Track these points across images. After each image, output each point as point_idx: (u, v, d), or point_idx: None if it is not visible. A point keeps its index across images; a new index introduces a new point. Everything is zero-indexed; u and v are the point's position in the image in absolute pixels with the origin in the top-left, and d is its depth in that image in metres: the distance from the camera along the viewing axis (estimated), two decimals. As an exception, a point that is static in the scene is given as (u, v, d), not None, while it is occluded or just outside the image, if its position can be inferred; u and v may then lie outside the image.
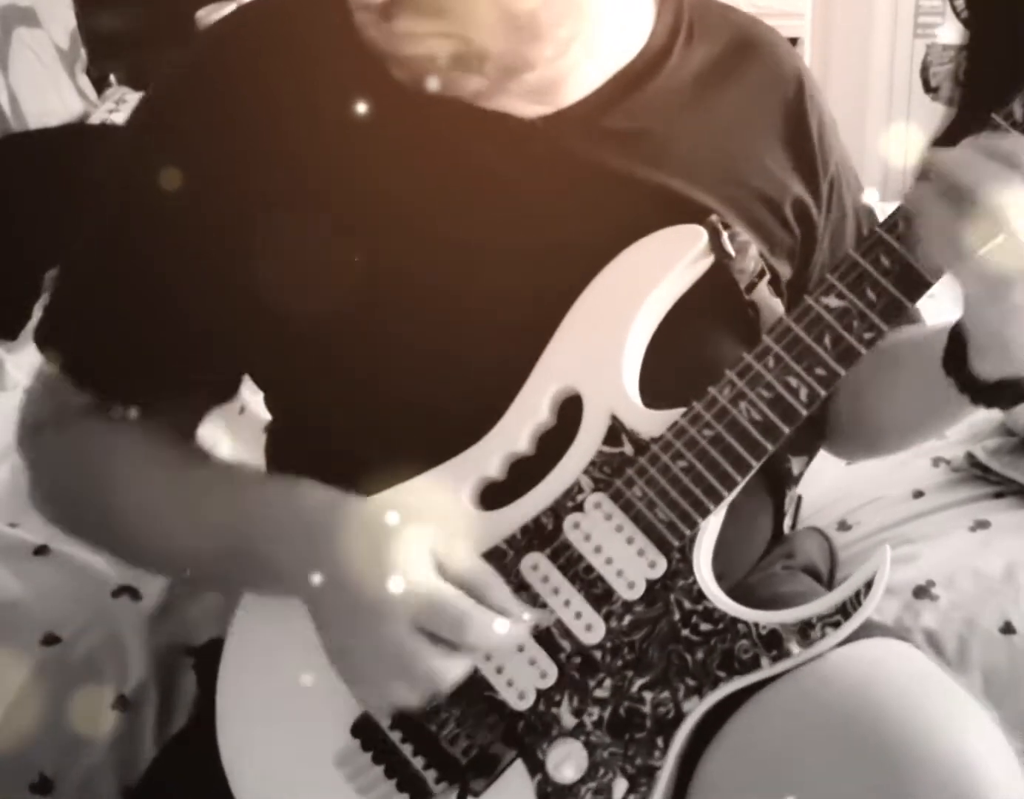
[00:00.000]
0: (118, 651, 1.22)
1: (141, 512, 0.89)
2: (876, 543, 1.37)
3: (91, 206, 0.93)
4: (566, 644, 0.83)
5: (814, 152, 0.97)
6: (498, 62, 0.83)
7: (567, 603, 0.83)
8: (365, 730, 0.85)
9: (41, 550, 1.31)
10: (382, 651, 0.79)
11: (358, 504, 0.82)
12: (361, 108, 0.85)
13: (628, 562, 0.82)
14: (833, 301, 0.80)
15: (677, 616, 0.82)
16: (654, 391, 0.85)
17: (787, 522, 1.06)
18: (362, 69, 0.85)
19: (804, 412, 0.81)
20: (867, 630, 0.83)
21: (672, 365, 0.85)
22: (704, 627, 0.82)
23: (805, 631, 0.80)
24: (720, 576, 0.84)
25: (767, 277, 0.90)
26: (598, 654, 0.83)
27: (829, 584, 1.10)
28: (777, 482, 0.99)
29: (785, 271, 0.95)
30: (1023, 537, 1.35)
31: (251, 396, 1.63)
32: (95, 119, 2.35)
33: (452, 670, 0.79)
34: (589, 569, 0.83)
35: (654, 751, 0.82)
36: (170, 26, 2.41)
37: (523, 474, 0.85)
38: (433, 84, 0.83)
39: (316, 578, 0.79)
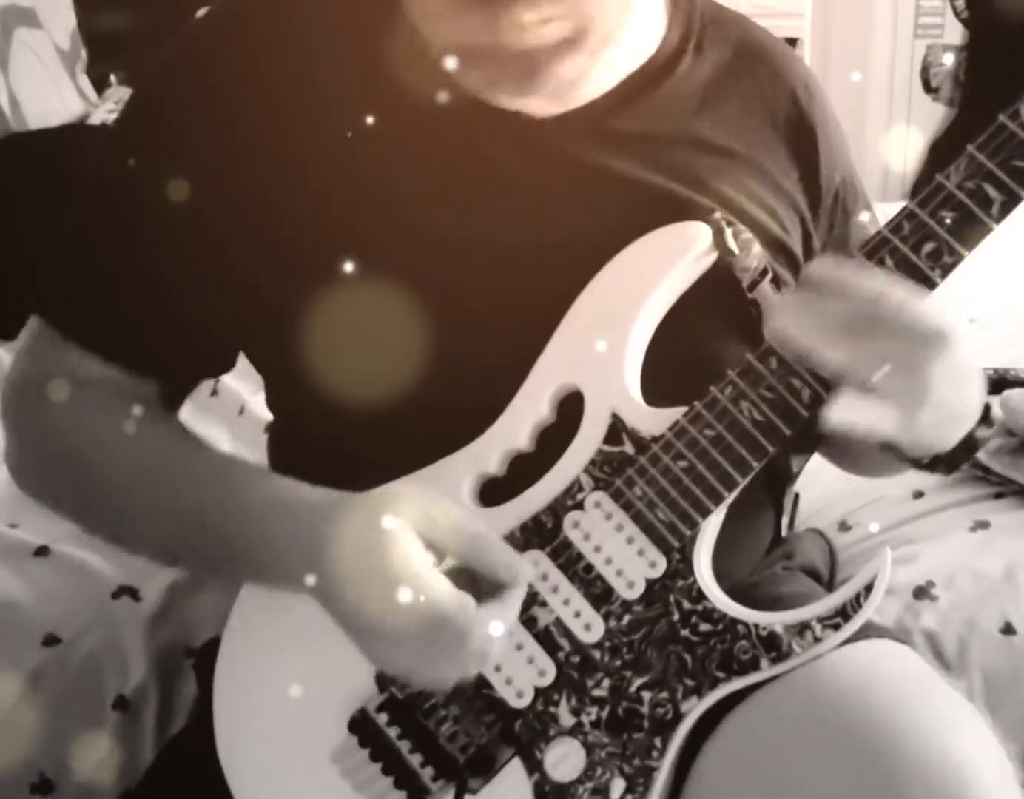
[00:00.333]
0: (118, 652, 1.22)
1: (131, 492, 0.88)
2: (876, 544, 1.37)
3: (84, 194, 0.93)
4: (565, 643, 0.83)
5: (818, 163, 0.97)
6: (599, 36, 0.83)
7: (566, 602, 0.83)
8: (362, 726, 0.85)
9: (41, 551, 1.31)
10: (407, 645, 0.77)
11: (348, 508, 0.79)
12: (363, 106, 0.85)
13: (628, 561, 0.82)
14: None
15: (676, 616, 0.82)
16: (655, 389, 0.85)
17: (785, 520, 1.06)
18: (362, 69, 0.86)
19: (806, 414, 0.80)
20: (864, 631, 0.83)
21: (673, 363, 0.85)
22: (703, 627, 0.82)
23: (804, 633, 0.80)
24: (720, 576, 0.84)
25: (769, 276, 0.90)
26: (597, 653, 0.83)
27: (829, 585, 1.10)
28: (776, 481, 0.99)
29: (785, 275, 0.94)
30: (1023, 538, 1.35)
31: (251, 396, 1.64)
32: (95, 119, 2.35)
33: (488, 647, 0.78)
34: (589, 568, 0.83)
35: (652, 751, 0.82)
36: (170, 26, 2.40)
37: (523, 471, 0.85)
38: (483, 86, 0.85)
39: (311, 580, 0.78)
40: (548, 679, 0.83)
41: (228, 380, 1.61)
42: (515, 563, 0.79)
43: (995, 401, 0.93)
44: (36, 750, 1.16)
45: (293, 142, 0.85)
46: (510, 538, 0.84)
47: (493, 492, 0.85)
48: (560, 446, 0.85)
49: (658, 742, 0.81)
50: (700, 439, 0.82)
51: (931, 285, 0.79)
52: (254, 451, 1.47)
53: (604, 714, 0.82)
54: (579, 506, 0.84)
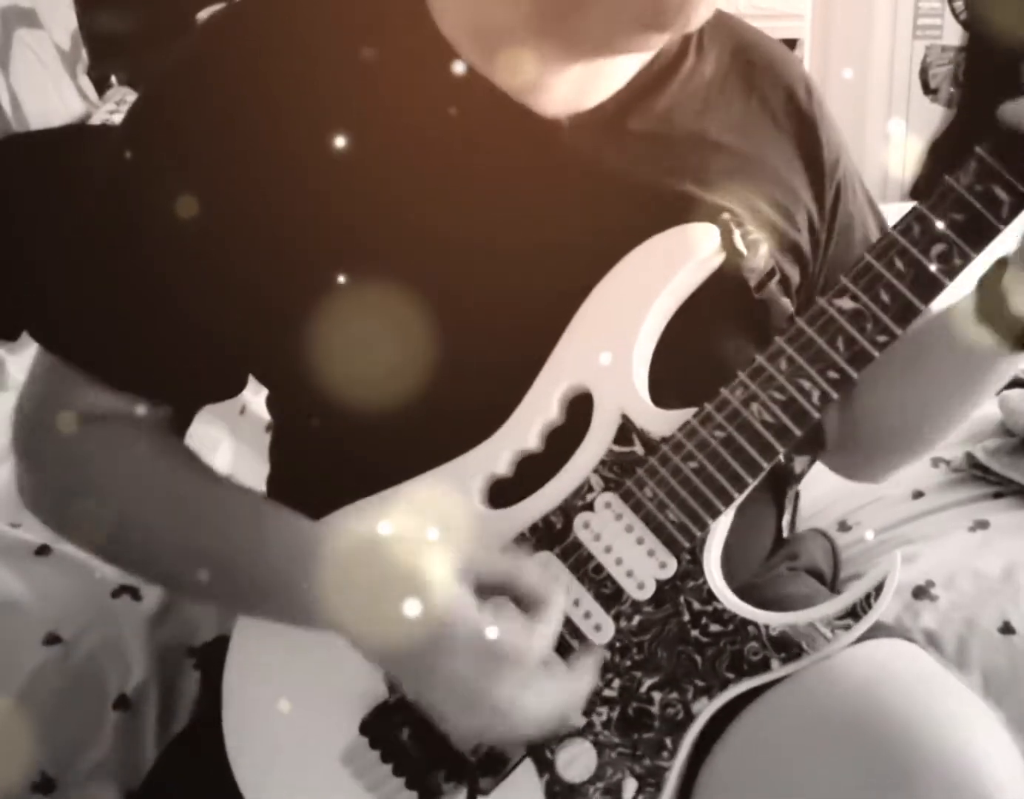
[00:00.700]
0: (119, 651, 1.21)
1: (147, 525, 0.88)
2: (876, 543, 1.37)
3: (87, 203, 0.92)
4: (575, 644, 0.83)
5: (821, 158, 0.98)
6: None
7: (576, 603, 0.83)
8: (373, 728, 0.85)
9: (42, 550, 1.31)
10: (455, 691, 0.77)
11: (375, 542, 0.79)
12: (367, 107, 0.86)
13: (638, 562, 0.82)
14: (846, 303, 0.80)
15: (687, 617, 0.82)
16: (663, 390, 0.85)
17: (786, 520, 1.06)
18: (366, 69, 0.86)
19: (816, 414, 0.81)
20: (874, 631, 0.83)
21: (681, 364, 0.85)
22: (714, 628, 0.82)
23: (815, 633, 0.80)
24: (724, 577, 0.84)
25: (777, 277, 0.90)
26: (607, 654, 0.83)
27: (832, 586, 1.11)
28: (779, 481, 0.99)
29: (794, 274, 0.95)
30: (1022, 537, 1.35)
31: (252, 396, 1.63)
32: (96, 120, 2.35)
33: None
34: (599, 569, 0.83)
35: (663, 752, 0.82)
36: (171, 27, 2.40)
37: (532, 472, 0.85)
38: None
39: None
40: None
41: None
42: (552, 582, 0.81)
43: (993, 401, 0.93)
44: (37, 749, 1.16)
45: (295, 146, 0.85)
46: (520, 539, 0.84)
47: (502, 493, 0.85)
48: (569, 447, 0.85)
49: (669, 742, 0.82)
50: (710, 440, 0.82)
51: (940, 287, 0.80)
52: (254, 451, 1.47)
53: (615, 714, 0.82)
54: (589, 507, 0.84)
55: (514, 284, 0.86)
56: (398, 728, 0.85)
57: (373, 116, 0.86)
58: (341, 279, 0.85)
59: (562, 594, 0.81)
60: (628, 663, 0.83)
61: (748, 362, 0.82)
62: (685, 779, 0.85)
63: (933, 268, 0.79)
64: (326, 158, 0.84)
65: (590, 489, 0.84)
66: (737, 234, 0.86)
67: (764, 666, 0.81)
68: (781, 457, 0.82)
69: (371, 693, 0.85)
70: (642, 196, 0.89)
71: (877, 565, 0.82)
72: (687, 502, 0.82)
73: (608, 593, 0.83)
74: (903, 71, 3.33)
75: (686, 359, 0.87)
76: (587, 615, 0.83)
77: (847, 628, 0.80)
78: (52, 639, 1.19)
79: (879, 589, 0.80)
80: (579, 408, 0.85)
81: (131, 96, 2.47)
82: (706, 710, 0.82)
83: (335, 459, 0.89)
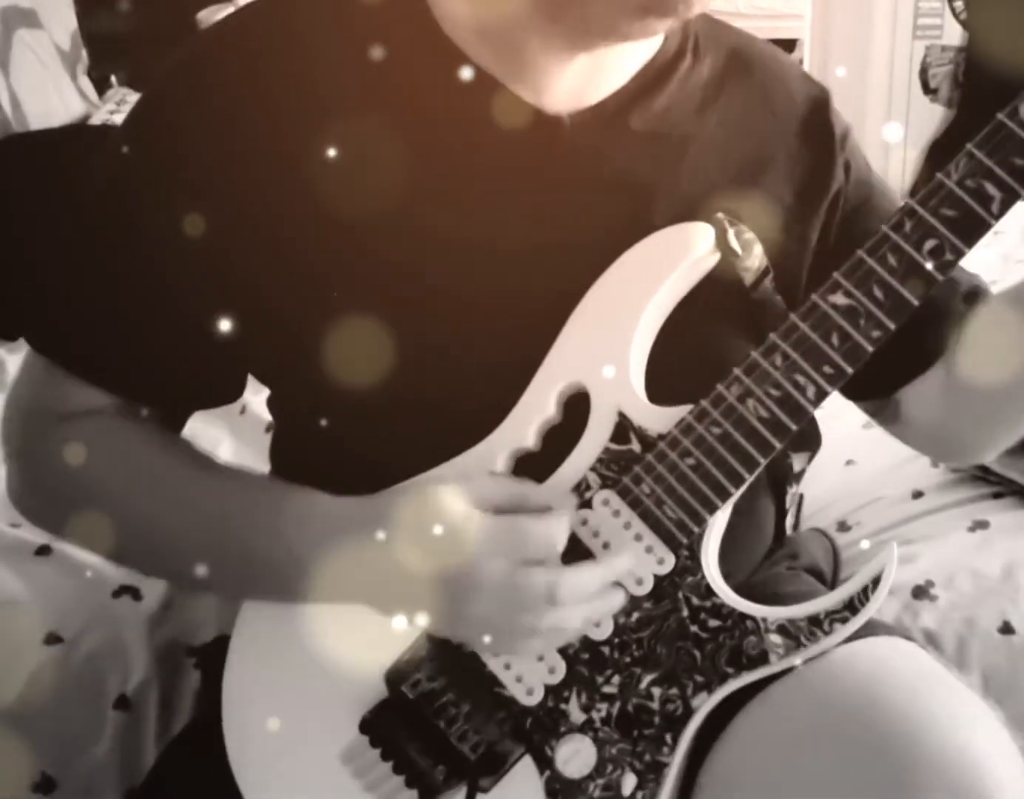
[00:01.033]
0: (119, 651, 1.22)
1: (153, 516, 0.88)
2: (876, 543, 1.37)
3: (87, 204, 0.92)
4: (575, 640, 0.83)
5: (827, 151, 0.97)
6: None
7: (575, 599, 0.83)
8: (373, 726, 0.85)
9: (42, 550, 1.31)
10: (495, 623, 0.80)
11: (385, 497, 0.83)
12: (371, 107, 0.86)
13: (636, 559, 0.83)
14: (840, 299, 0.80)
15: (685, 612, 0.82)
16: (660, 388, 0.85)
17: (789, 520, 1.06)
18: (368, 69, 0.86)
19: (811, 410, 0.81)
20: (873, 629, 0.84)
21: (678, 362, 0.85)
22: (712, 623, 0.82)
23: (812, 626, 0.81)
24: (725, 575, 0.84)
25: (771, 275, 0.90)
26: (606, 650, 0.83)
27: (832, 585, 1.11)
28: (779, 480, 0.99)
29: (793, 271, 0.95)
30: (1022, 537, 1.35)
31: (252, 396, 1.63)
32: (96, 120, 2.35)
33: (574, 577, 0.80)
34: (597, 566, 0.83)
35: (662, 747, 0.82)
36: (170, 27, 2.41)
37: (530, 471, 0.85)
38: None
39: (381, 535, 0.80)
40: (558, 676, 0.83)
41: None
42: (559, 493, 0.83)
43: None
44: (37, 749, 1.16)
45: (296, 146, 0.85)
46: None
47: None
48: (567, 446, 0.85)
49: (668, 738, 0.82)
50: (707, 436, 0.82)
51: (932, 282, 0.80)
52: (254, 451, 1.47)
53: (614, 710, 0.83)
54: (587, 504, 0.84)
55: (514, 283, 0.86)
56: (398, 727, 0.85)
57: (375, 115, 0.86)
58: (342, 279, 0.85)
59: (570, 502, 0.83)
60: (627, 659, 0.83)
61: (744, 359, 0.82)
62: (686, 776, 0.85)
63: (925, 264, 0.79)
64: (326, 159, 0.84)
65: (588, 487, 0.84)
66: (731, 233, 0.87)
67: (763, 660, 0.81)
68: (777, 452, 0.82)
69: (371, 692, 0.86)
70: (641, 194, 0.89)
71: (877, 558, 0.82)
72: (684, 498, 0.82)
73: None
74: (903, 71, 3.33)
75: (683, 357, 0.87)
76: None
77: (844, 621, 0.80)
78: (52, 639, 1.20)
79: (876, 582, 0.80)
80: (577, 407, 0.85)
81: (131, 96, 2.47)
82: (705, 705, 0.82)
83: (335, 459, 0.89)
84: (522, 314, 0.85)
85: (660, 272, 0.85)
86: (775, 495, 1.00)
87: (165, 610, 1.27)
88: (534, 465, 0.85)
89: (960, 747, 0.76)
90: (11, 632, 1.20)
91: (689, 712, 0.82)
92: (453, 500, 0.79)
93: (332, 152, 0.84)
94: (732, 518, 0.85)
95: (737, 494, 0.82)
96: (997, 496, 1.46)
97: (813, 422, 0.97)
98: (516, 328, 0.85)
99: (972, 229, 0.79)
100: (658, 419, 0.84)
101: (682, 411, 0.83)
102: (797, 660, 0.81)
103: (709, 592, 0.82)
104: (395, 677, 0.85)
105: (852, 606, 0.80)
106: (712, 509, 0.82)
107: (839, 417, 1.34)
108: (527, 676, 0.83)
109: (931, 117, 3.29)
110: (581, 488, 0.84)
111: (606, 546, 0.83)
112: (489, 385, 0.85)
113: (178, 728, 1.17)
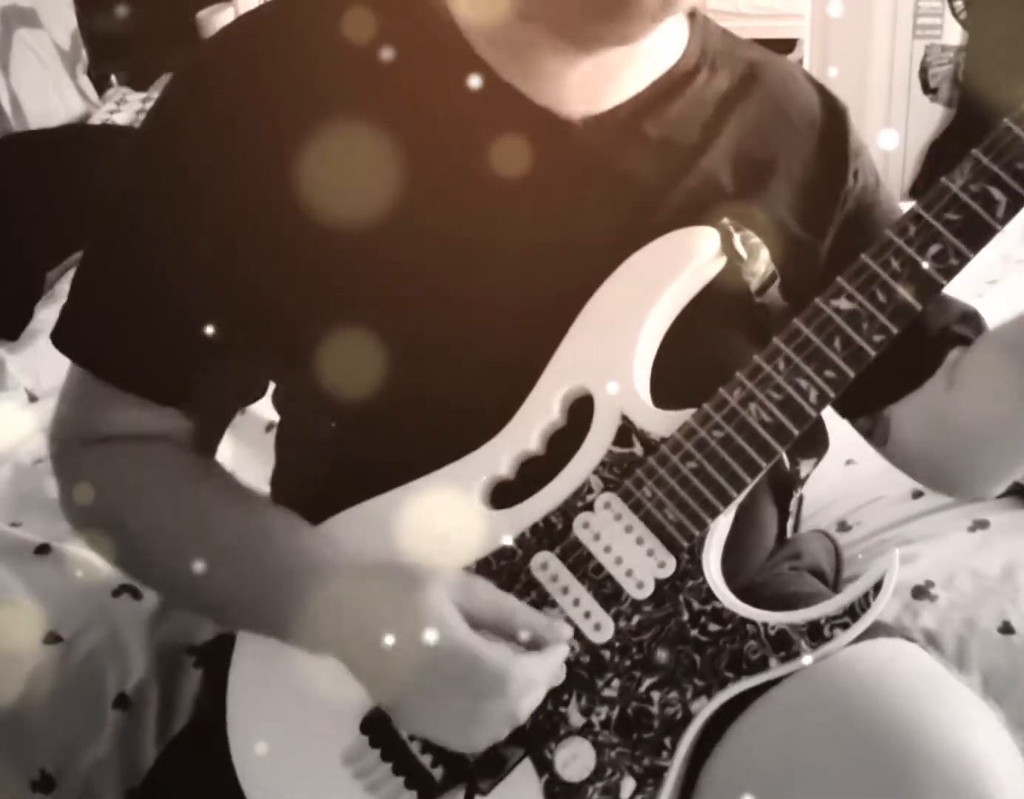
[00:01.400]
0: (119, 650, 1.21)
1: (165, 545, 0.89)
2: (876, 543, 1.37)
3: (105, 207, 0.92)
4: (575, 643, 0.83)
5: (842, 158, 0.97)
6: None
7: (576, 602, 0.83)
8: (374, 727, 0.85)
9: (42, 549, 1.31)
10: (446, 712, 0.80)
11: (389, 568, 0.82)
12: (369, 108, 0.86)
13: (637, 562, 0.83)
14: (843, 303, 0.80)
15: (686, 616, 0.82)
16: (664, 392, 0.85)
17: (790, 523, 1.06)
18: (375, 70, 0.86)
19: (814, 414, 0.81)
20: (874, 631, 0.83)
21: (683, 366, 0.86)
22: (713, 627, 0.82)
23: (814, 632, 0.81)
24: (727, 576, 0.84)
25: (778, 280, 0.90)
26: (607, 653, 0.83)
27: (834, 586, 1.11)
28: (784, 485, 0.99)
29: (802, 277, 0.95)
30: (1022, 537, 1.35)
31: (251, 396, 1.64)
32: (96, 119, 2.35)
33: (520, 710, 0.80)
34: (599, 569, 0.83)
35: (662, 751, 0.82)
36: (171, 27, 2.41)
37: (533, 473, 0.85)
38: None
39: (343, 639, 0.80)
40: (558, 680, 0.83)
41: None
42: (554, 624, 0.82)
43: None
44: (37, 748, 1.16)
45: (301, 147, 0.85)
46: (521, 540, 0.84)
47: (504, 495, 0.86)
48: (571, 449, 0.85)
49: (668, 742, 0.82)
50: (709, 440, 0.82)
51: (936, 287, 0.80)
52: (254, 451, 1.47)
53: (614, 714, 0.82)
54: (589, 507, 0.84)
55: (519, 285, 0.86)
56: (398, 728, 0.85)
57: (382, 117, 0.86)
58: (346, 280, 0.86)
59: (564, 631, 0.82)
60: (627, 663, 0.83)
61: (748, 364, 0.82)
62: (686, 779, 0.85)
63: (929, 268, 0.79)
64: (331, 160, 0.85)
65: (590, 490, 0.84)
66: (737, 238, 0.87)
67: (763, 665, 0.81)
68: (779, 457, 0.82)
69: None
70: (650, 199, 0.89)
71: (877, 564, 0.82)
72: (686, 502, 0.82)
73: (608, 592, 0.83)
74: (903, 71, 3.32)
75: (688, 362, 0.87)
76: (587, 615, 0.83)
77: (845, 627, 0.80)
78: (52, 638, 1.20)
79: (877, 588, 0.80)
80: (581, 410, 0.86)
81: (131, 96, 2.48)
82: (705, 709, 0.82)
83: (339, 458, 0.89)
84: (527, 316, 0.85)
85: (665, 276, 0.85)
86: (779, 499, 1.00)
87: (165, 609, 1.26)
88: (538, 468, 0.85)
89: (960, 747, 0.76)
90: (11, 631, 1.20)
91: (688, 716, 0.81)
92: (450, 617, 0.79)
93: (337, 154, 0.85)
94: (736, 522, 0.85)
95: (739, 498, 0.82)
96: (997, 496, 1.46)
97: (821, 426, 0.97)
98: (521, 330, 0.85)
99: (977, 234, 0.79)
100: (661, 423, 0.84)
101: (685, 415, 0.83)
102: (797, 665, 0.81)
103: (710, 596, 0.82)
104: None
105: (853, 612, 0.80)
106: (714, 513, 0.82)
107: (840, 417, 1.34)
108: (527, 679, 0.83)
109: (931, 117, 3.29)
110: (583, 491, 0.84)
111: (608, 549, 0.83)
112: (493, 387, 0.85)
113: (178, 727, 1.17)
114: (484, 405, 0.85)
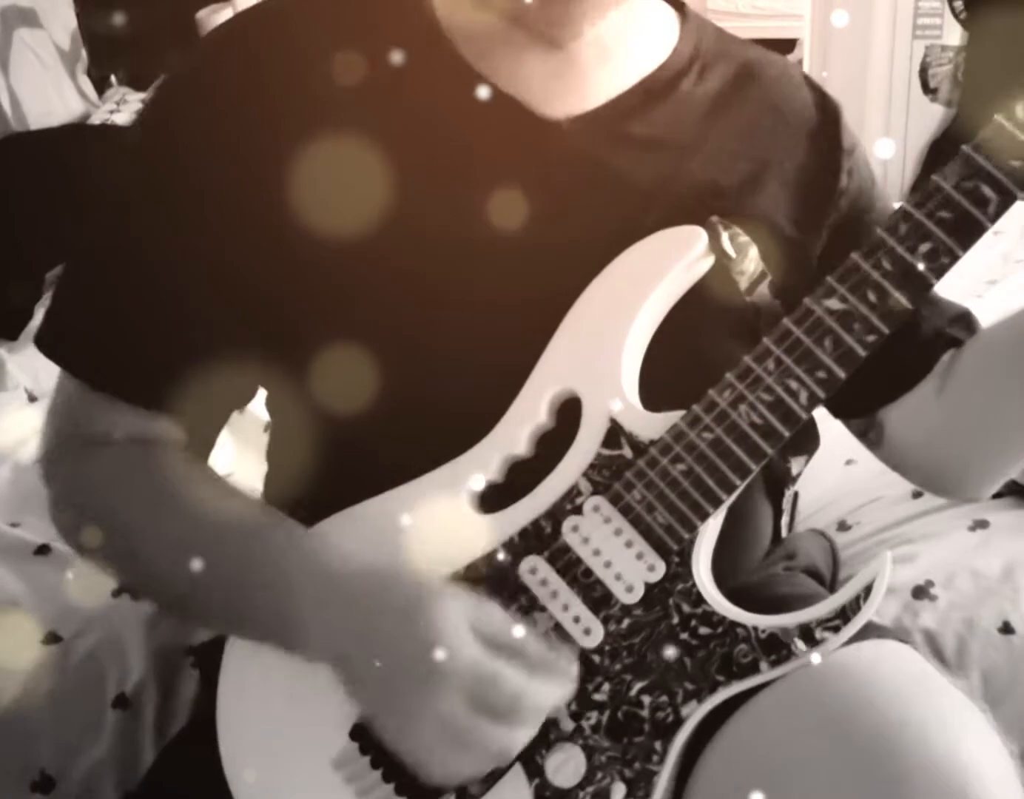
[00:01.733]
0: (118, 650, 1.22)
1: (180, 559, 0.87)
2: (876, 543, 1.37)
3: (95, 208, 0.92)
4: (564, 648, 0.82)
5: (834, 158, 0.97)
6: None
7: (565, 607, 0.83)
8: (363, 733, 0.84)
9: (42, 550, 1.32)
10: (443, 731, 0.76)
11: (397, 578, 0.80)
12: (359, 110, 0.86)
13: (627, 565, 0.82)
14: (834, 304, 0.80)
15: (676, 620, 0.82)
16: (653, 393, 0.85)
17: (784, 520, 1.06)
18: (366, 69, 0.86)
19: (804, 416, 0.81)
20: (867, 631, 0.83)
21: (672, 367, 0.85)
22: (703, 631, 0.82)
23: (804, 635, 0.80)
24: (720, 577, 0.84)
25: (767, 279, 0.90)
26: (596, 658, 0.82)
27: (831, 586, 1.10)
28: (776, 483, 0.99)
29: (793, 277, 0.94)
30: (1022, 537, 1.35)
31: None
32: (96, 119, 2.36)
33: (516, 741, 0.78)
34: (588, 572, 0.83)
35: (652, 755, 0.82)
36: (170, 27, 2.41)
37: (522, 477, 0.85)
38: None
39: (352, 650, 0.79)
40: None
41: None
42: (563, 660, 0.80)
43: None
44: (36, 748, 1.16)
45: (293, 148, 0.85)
46: (509, 544, 0.84)
47: (492, 498, 0.85)
48: (559, 452, 0.85)
49: (659, 746, 0.81)
50: (698, 442, 0.82)
51: (927, 285, 0.79)
52: (254, 451, 1.47)
53: (604, 718, 0.82)
54: (578, 510, 0.83)
55: (508, 286, 0.86)
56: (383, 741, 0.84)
57: (373, 117, 0.86)
58: (339, 282, 0.85)
59: (574, 669, 0.80)
60: (618, 667, 0.82)
61: (738, 364, 0.82)
62: (677, 782, 0.84)
63: (920, 267, 0.79)
64: (324, 163, 0.84)
65: (579, 493, 0.84)
66: (725, 237, 0.87)
67: (753, 669, 0.81)
68: (769, 458, 0.81)
69: None
70: (638, 199, 0.89)
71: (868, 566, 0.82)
72: (675, 505, 0.81)
73: (597, 596, 0.82)
74: (903, 71, 3.31)
75: (678, 362, 0.87)
76: (576, 619, 0.82)
77: (836, 630, 0.80)
78: (51, 638, 1.20)
79: (868, 591, 0.80)
80: (569, 412, 0.85)
81: (131, 95, 2.48)
82: (695, 713, 0.81)
83: (331, 460, 0.89)
84: (519, 318, 0.85)
85: (653, 275, 0.85)
86: (772, 497, 1.00)
87: (164, 609, 1.27)
88: (526, 471, 0.85)
89: (948, 751, 0.76)
90: (10, 631, 1.20)
91: (679, 720, 0.81)
92: (458, 629, 0.77)
93: (328, 156, 0.84)
94: (729, 520, 0.85)
95: (729, 500, 0.82)
96: (997, 496, 1.44)
97: (812, 424, 0.96)
98: (513, 332, 0.85)
99: (968, 232, 0.78)
100: (650, 425, 0.83)
101: (674, 417, 0.83)
102: (788, 669, 0.80)
103: (700, 599, 0.82)
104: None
105: (844, 614, 0.80)
106: (703, 516, 0.81)
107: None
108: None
109: (931, 117, 3.28)
110: (572, 494, 0.84)
111: (597, 553, 0.83)
112: (486, 388, 0.84)
113: (176, 727, 1.18)
114: (478, 407, 0.84)
